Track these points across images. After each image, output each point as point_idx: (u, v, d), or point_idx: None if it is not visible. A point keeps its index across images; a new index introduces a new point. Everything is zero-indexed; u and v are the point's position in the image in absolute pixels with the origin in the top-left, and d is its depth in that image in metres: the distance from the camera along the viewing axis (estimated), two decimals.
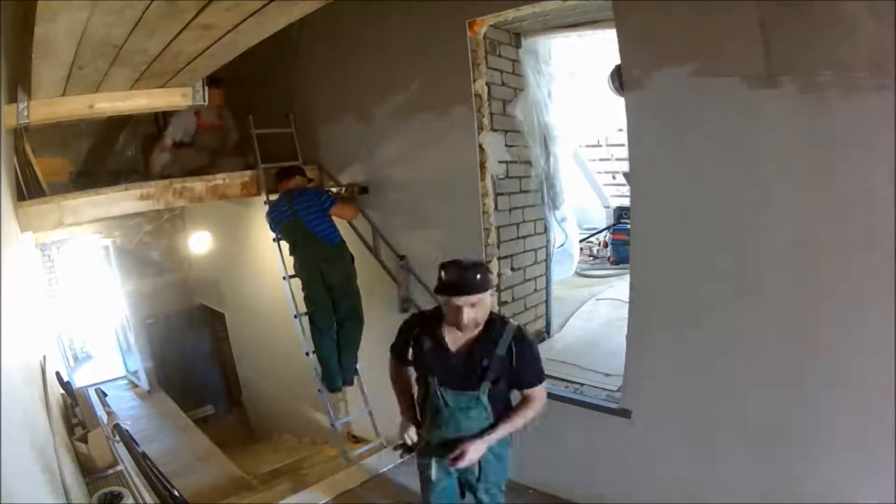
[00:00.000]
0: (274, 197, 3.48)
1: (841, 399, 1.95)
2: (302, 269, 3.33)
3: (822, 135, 1.86)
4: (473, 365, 1.75)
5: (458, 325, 1.72)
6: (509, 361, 1.75)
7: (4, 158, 2.41)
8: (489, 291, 1.72)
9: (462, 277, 1.67)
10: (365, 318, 3.43)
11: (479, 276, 1.68)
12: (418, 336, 1.85)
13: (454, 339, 1.79)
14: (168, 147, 3.64)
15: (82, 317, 7.41)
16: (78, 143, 4.31)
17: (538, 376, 1.83)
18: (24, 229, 2.91)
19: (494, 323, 1.79)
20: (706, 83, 2.05)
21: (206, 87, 3.54)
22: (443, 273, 1.72)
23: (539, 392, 1.83)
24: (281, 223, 3.32)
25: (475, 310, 1.69)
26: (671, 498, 2.39)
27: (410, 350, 1.88)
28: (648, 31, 2.20)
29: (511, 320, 1.85)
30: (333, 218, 3.34)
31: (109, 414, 2.07)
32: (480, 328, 1.76)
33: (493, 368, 1.74)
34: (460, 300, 1.66)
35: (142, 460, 1.91)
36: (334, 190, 3.59)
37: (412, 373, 1.94)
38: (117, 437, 2.02)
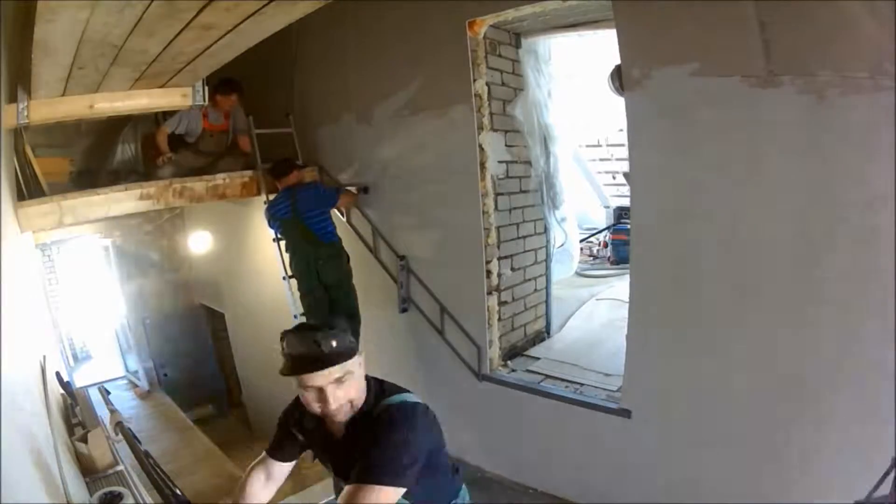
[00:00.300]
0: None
1: (841, 399, 1.95)
2: (298, 268, 3.34)
3: (822, 135, 1.86)
4: (354, 448, 1.25)
5: (326, 415, 1.26)
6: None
7: (4, 158, 2.41)
8: (355, 359, 1.26)
9: (309, 345, 1.21)
10: (365, 319, 3.42)
11: (332, 342, 1.21)
12: (300, 419, 1.39)
13: (339, 424, 1.31)
14: (166, 147, 3.60)
15: (82, 317, 7.41)
16: (78, 142, 4.31)
17: (381, 470, 1.14)
18: (24, 229, 2.91)
19: (370, 391, 1.33)
20: (706, 83, 2.05)
21: (225, 92, 3.54)
22: (284, 344, 1.25)
23: (367, 495, 1.11)
24: (279, 219, 3.32)
25: (343, 387, 1.23)
26: (671, 498, 2.39)
27: (299, 437, 1.41)
28: (648, 31, 2.20)
29: (398, 397, 1.30)
30: (333, 216, 3.35)
31: (112, 412, 2.07)
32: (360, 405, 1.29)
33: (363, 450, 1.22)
34: (314, 379, 1.22)
35: (144, 459, 1.91)
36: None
37: (275, 475, 1.45)
38: (119, 436, 2.02)
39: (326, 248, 3.27)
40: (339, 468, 1.36)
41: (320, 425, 1.35)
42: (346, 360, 1.24)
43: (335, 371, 1.22)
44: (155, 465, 1.91)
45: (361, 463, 1.16)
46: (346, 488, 1.15)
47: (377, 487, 1.12)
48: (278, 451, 1.46)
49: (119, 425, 2.01)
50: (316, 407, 1.26)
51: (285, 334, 1.27)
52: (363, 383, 1.31)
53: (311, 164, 3.76)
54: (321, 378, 1.22)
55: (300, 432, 1.41)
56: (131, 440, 1.97)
